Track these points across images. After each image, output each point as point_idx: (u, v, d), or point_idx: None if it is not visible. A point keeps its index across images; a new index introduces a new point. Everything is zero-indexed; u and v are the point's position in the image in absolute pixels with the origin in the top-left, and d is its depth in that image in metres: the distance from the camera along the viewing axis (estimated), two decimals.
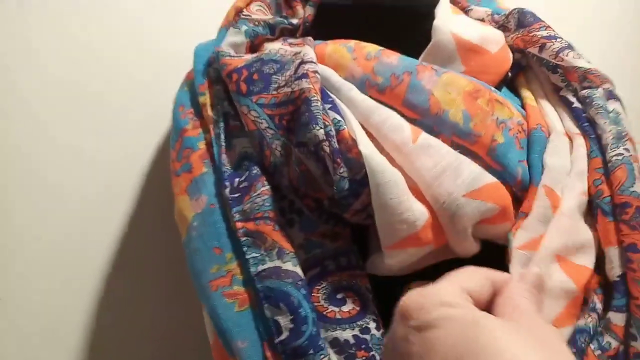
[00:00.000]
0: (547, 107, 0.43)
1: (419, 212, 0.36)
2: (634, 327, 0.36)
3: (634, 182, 0.38)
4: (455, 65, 0.41)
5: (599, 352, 0.36)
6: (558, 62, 0.43)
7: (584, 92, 0.42)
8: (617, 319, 0.37)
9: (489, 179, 0.37)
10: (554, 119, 0.42)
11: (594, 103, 0.41)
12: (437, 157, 0.36)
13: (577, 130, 0.41)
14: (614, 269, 0.38)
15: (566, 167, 0.39)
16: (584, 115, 0.41)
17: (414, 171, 0.36)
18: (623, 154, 0.39)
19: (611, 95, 0.41)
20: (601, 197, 0.39)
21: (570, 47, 0.43)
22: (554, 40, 0.43)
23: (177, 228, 0.42)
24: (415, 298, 0.28)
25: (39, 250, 0.52)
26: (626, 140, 0.39)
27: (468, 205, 0.36)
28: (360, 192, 0.36)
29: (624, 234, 0.37)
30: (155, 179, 0.56)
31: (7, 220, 0.51)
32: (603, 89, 0.41)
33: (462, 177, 0.36)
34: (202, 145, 0.42)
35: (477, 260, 0.38)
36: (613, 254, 0.38)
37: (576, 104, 0.42)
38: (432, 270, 0.38)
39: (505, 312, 0.28)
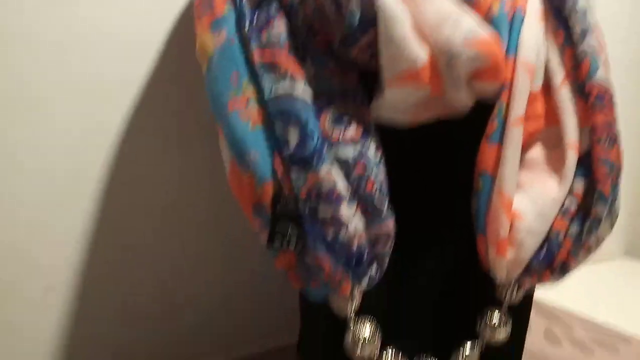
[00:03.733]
0: None
1: (421, 51, 0.39)
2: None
3: (597, 69, 0.43)
4: None
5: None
6: None
7: None
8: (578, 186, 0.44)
9: (487, 32, 0.40)
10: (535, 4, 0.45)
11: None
12: (439, 6, 0.39)
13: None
14: (583, 145, 0.44)
15: (538, 42, 0.43)
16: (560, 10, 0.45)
17: (419, 14, 0.39)
18: (586, 51, 0.43)
19: None
20: (577, 81, 0.44)
21: None
22: None
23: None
24: None
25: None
26: (591, 34, 0.44)
27: (464, 53, 0.39)
28: (368, 29, 0.39)
29: (589, 115, 0.43)
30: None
31: None
32: None
33: (461, 29, 0.39)
34: None
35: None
36: (584, 132, 0.44)
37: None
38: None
39: None
